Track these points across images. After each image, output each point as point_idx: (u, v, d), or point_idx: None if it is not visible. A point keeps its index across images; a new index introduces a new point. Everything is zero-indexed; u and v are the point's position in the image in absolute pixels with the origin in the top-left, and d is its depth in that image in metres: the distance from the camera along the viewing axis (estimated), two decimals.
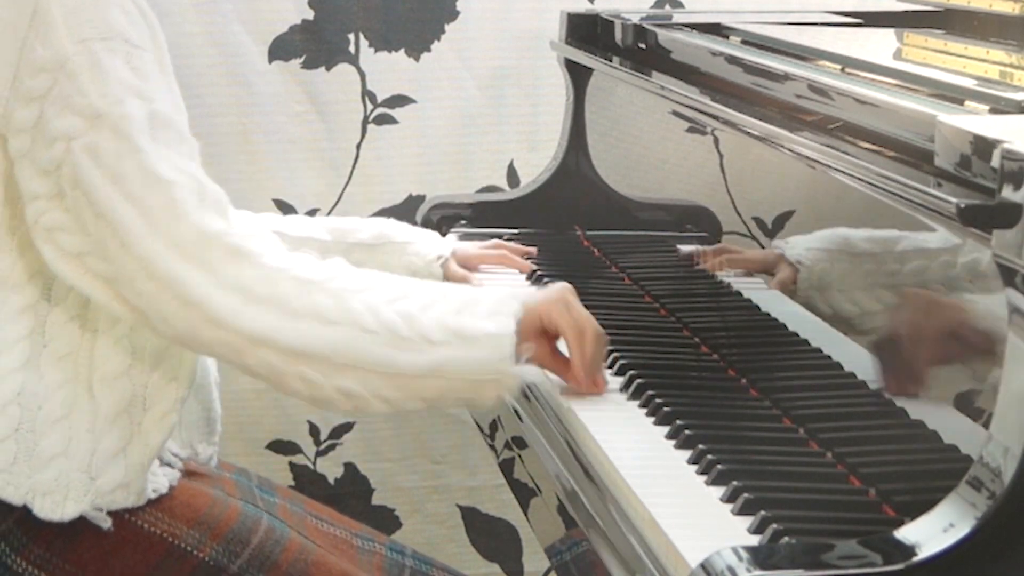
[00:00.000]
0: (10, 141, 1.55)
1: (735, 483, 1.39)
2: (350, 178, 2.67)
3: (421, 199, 2.60)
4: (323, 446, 2.74)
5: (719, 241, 1.89)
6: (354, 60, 2.64)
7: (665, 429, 1.56)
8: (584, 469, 1.53)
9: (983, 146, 1.26)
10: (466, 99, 2.69)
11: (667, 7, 2.73)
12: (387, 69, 2.65)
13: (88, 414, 1.59)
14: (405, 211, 2.62)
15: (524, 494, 1.78)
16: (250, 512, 1.69)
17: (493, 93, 2.70)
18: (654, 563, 1.31)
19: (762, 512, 1.32)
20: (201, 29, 2.58)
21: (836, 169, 1.52)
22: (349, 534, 1.79)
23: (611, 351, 1.77)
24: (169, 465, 1.70)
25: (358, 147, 2.67)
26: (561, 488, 1.56)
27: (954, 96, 1.55)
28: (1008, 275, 1.20)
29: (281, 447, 2.74)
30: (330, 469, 2.75)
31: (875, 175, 1.42)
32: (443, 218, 2.36)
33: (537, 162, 2.58)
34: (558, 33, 2.38)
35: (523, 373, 1.55)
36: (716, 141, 1.90)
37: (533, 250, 2.13)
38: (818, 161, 1.56)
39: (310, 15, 2.61)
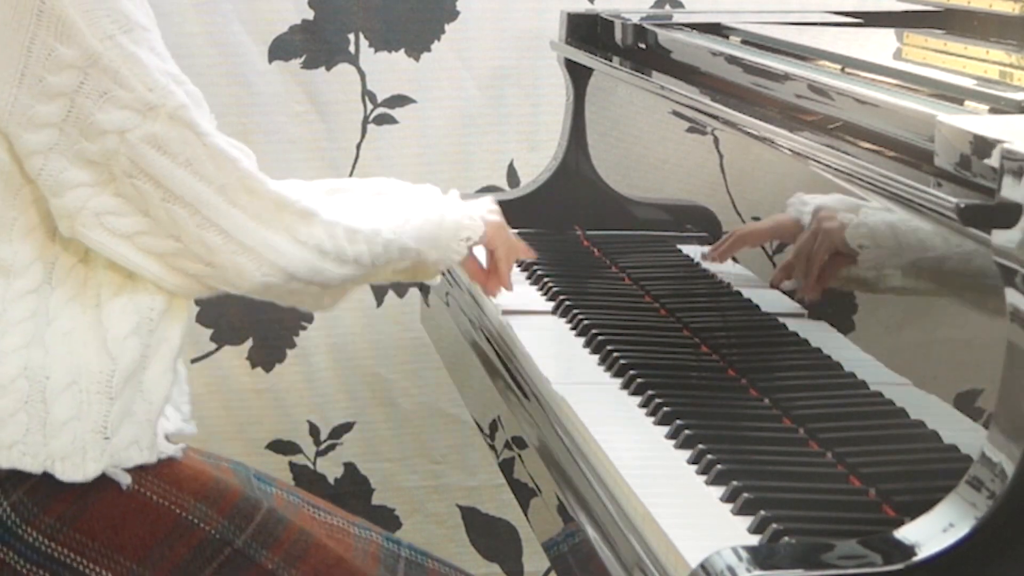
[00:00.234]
0: (25, 136, 1.58)
1: (735, 483, 1.39)
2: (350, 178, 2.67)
3: None
4: (323, 446, 2.75)
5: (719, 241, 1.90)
6: (354, 60, 2.64)
7: (665, 429, 1.56)
8: (584, 469, 1.53)
9: (983, 146, 1.26)
10: (466, 99, 2.69)
11: (667, 7, 2.73)
12: (387, 69, 2.65)
13: (98, 376, 1.61)
14: None
15: (524, 494, 1.78)
16: (251, 494, 1.71)
17: (493, 93, 2.70)
18: (654, 563, 1.31)
19: (762, 512, 1.32)
20: (201, 29, 2.59)
21: (836, 169, 1.52)
22: (346, 523, 1.80)
23: (611, 351, 1.77)
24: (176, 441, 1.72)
25: (358, 147, 2.67)
26: (561, 488, 1.56)
27: (954, 96, 1.55)
28: (1008, 275, 1.20)
29: (281, 447, 2.74)
30: (330, 469, 2.75)
31: (875, 175, 1.42)
32: None
33: (537, 162, 2.59)
34: (558, 33, 2.38)
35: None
36: (716, 141, 1.90)
37: (532, 254, 2.11)
38: (818, 161, 1.56)
39: (310, 15, 2.61)
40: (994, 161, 1.23)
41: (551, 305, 2.00)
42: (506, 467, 1.96)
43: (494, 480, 2.72)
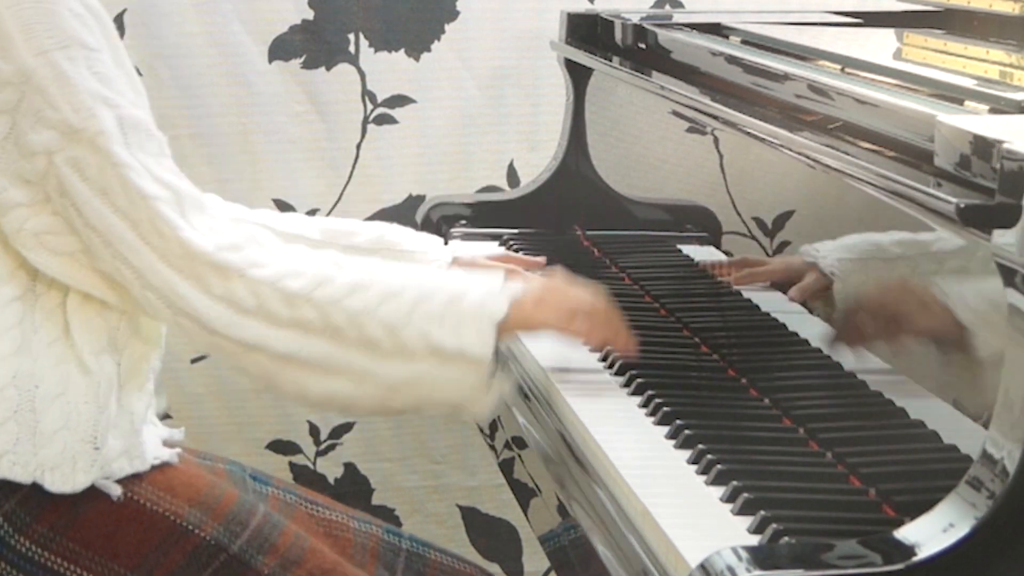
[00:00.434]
0: None
1: (735, 483, 1.39)
2: (350, 178, 2.67)
3: (421, 199, 2.60)
4: (323, 446, 2.75)
5: (719, 241, 1.89)
6: (354, 60, 2.64)
7: (665, 429, 1.56)
8: (584, 469, 1.53)
9: (983, 146, 1.26)
10: (466, 99, 2.69)
11: (667, 7, 2.73)
12: (387, 69, 2.65)
13: (85, 387, 1.61)
14: (405, 211, 2.63)
15: (524, 494, 1.78)
16: (247, 499, 1.70)
17: (493, 93, 2.70)
18: (654, 563, 1.31)
19: (762, 512, 1.32)
20: (201, 29, 2.59)
21: (836, 169, 1.52)
22: (345, 517, 1.80)
23: (611, 350, 1.77)
24: (169, 446, 1.72)
25: (358, 147, 2.67)
26: (561, 488, 1.56)
27: (954, 96, 1.55)
28: (1008, 275, 1.20)
29: (281, 447, 2.74)
30: (330, 469, 2.75)
31: (875, 175, 1.42)
32: (443, 218, 2.36)
33: (537, 162, 2.59)
34: (558, 33, 2.38)
35: (496, 395, 1.60)
36: (716, 141, 1.90)
37: (542, 260, 2.10)
38: (818, 161, 1.56)
39: (310, 15, 2.61)
40: (994, 161, 1.23)
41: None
42: (506, 467, 1.96)
43: (494, 480, 2.72)
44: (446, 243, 2.26)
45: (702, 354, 1.82)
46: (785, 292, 1.70)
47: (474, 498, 2.78)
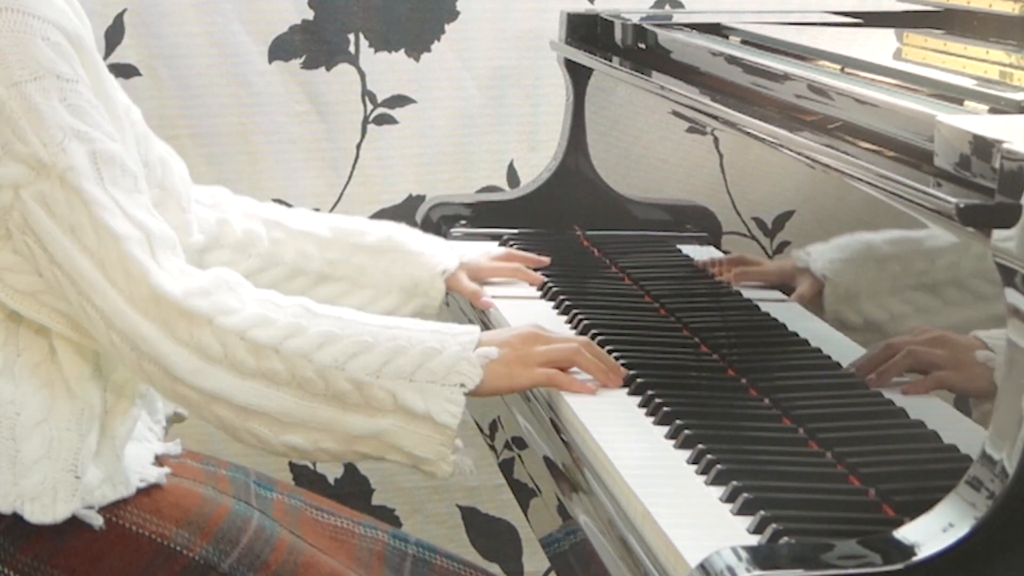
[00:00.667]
0: None
1: (735, 483, 1.39)
2: (350, 178, 2.67)
3: (421, 199, 2.60)
4: None
5: (719, 241, 1.89)
6: (354, 60, 2.64)
7: (665, 429, 1.56)
8: (584, 469, 1.53)
9: (983, 146, 1.26)
10: (466, 99, 2.69)
11: (667, 7, 2.73)
12: (387, 69, 2.65)
13: (68, 414, 1.59)
14: (405, 211, 2.63)
15: (524, 494, 1.78)
16: (240, 511, 1.69)
17: (493, 93, 2.70)
18: (654, 563, 1.31)
19: (762, 512, 1.32)
20: (201, 29, 2.59)
21: (836, 169, 1.52)
22: (351, 523, 1.79)
23: (611, 351, 1.77)
24: (159, 462, 1.71)
25: (358, 147, 2.67)
26: (561, 488, 1.56)
27: (954, 96, 1.55)
28: (1008, 275, 1.20)
29: None
30: (330, 469, 2.75)
31: (875, 175, 1.42)
32: (443, 218, 2.36)
33: (537, 162, 2.59)
34: (558, 33, 2.38)
35: (457, 460, 1.59)
36: (716, 141, 1.90)
37: (546, 260, 2.11)
38: (818, 161, 1.56)
39: (310, 15, 2.61)
40: (994, 161, 1.23)
41: (551, 304, 2.00)
42: (506, 467, 1.96)
43: (494, 480, 2.72)
44: None
45: (702, 354, 1.82)
46: (783, 292, 1.70)
47: (474, 498, 2.78)
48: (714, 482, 1.42)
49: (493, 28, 2.68)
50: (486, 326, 1.96)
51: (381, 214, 2.67)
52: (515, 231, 2.31)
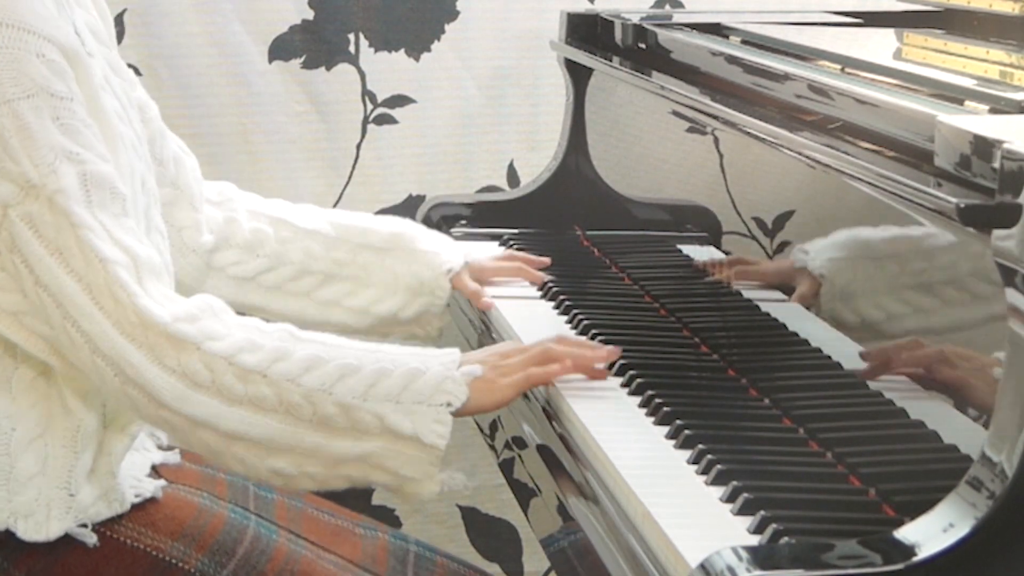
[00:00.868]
0: None
1: (735, 483, 1.39)
2: (350, 178, 2.67)
3: (421, 199, 2.60)
4: None
5: (719, 241, 1.89)
6: (354, 60, 2.64)
7: (665, 429, 1.56)
8: (584, 469, 1.53)
9: (983, 146, 1.26)
10: (466, 99, 2.69)
11: (667, 7, 2.73)
12: (387, 69, 2.65)
13: (63, 430, 1.58)
14: (405, 211, 2.62)
15: (524, 494, 1.78)
16: (237, 521, 1.69)
17: (493, 93, 2.70)
18: (654, 563, 1.31)
19: (762, 512, 1.32)
20: (201, 29, 2.59)
21: (836, 169, 1.52)
22: (351, 524, 1.79)
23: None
24: (156, 472, 1.70)
25: (358, 147, 2.67)
26: (561, 488, 1.56)
27: (954, 96, 1.55)
28: (1008, 275, 1.20)
29: None
30: None
31: (875, 175, 1.42)
32: (443, 218, 2.36)
33: (537, 162, 2.59)
34: (558, 33, 2.38)
35: (444, 480, 1.59)
36: (716, 141, 1.90)
37: (547, 260, 2.11)
38: (818, 161, 1.56)
39: (310, 15, 2.61)
40: (994, 161, 1.23)
41: (551, 304, 2.00)
42: (506, 467, 1.96)
43: (494, 480, 2.72)
44: None
45: (702, 354, 1.82)
46: (783, 293, 1.70)
47: (474, 498, 2.78)
48: (714, 482, 1.42)
49: (493, 28, 2.68)
50: (486, 325, 1.97)
51: (381, 214, 2.67)
52: (515, 231, 2.31)
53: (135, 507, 1.64)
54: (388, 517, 2.74)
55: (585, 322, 1.89)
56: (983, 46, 1.92)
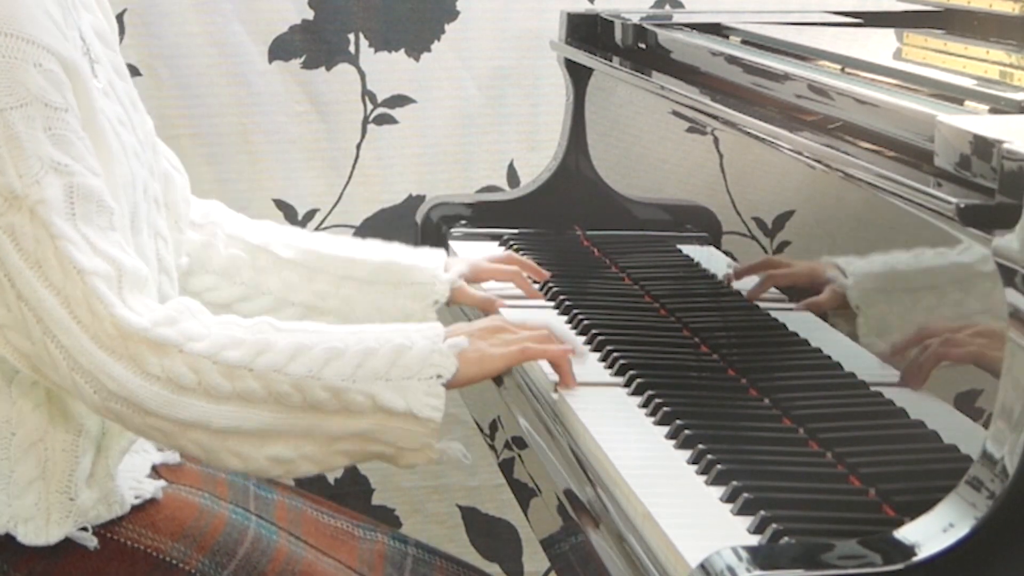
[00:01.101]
0: None
1: (735, 483, 1.39)
2: (350, 178, 2.67)
3: (421, 199, 2.60)
4: None
5: (719, 241, 1.89)
6: (354, 60, 2.64)
7: (665, 429, 1.56)
8: (584, 469, 1.53)
9: (983, 146, 1.26)
10: (466, 99, 2.69)
11: (667, 7, 2.73)
12: (387, 69, 2.65)
13: (63, 435, 1.58)
14: (405, 211, 2.63)
15: (524, 494, 1.78)
16: (237, 521, 1.69)
17: (493, 93, 2.70)
18: (654, 563, 1.31)
19: (762, 512, 1.32)
20: (201, 29, 2.59)
21: (836, 169, 1.52)
22: (351, 525, 1.79)
23: (611, 351, 1.77)
24: (156, 473, 1.70)
25: (358, 147, 2.67)
26: (561, 488, 1.56)
27: (954, 96, 1.55)
28: (1008, 275, 1.20)
29: None
30: None
31: (875, 175, 1.42)
32: (443, 218, 2.36)
33: (537, 162, 2.59)
34: (558, 33, 2.38)
35: (445, 448, 1.57)
36: (716, 141, 1.90)
37: (546, 274, 2.05)
38: (818, 161, 1.56)
39: (310, 15, 2.61)
40: (994, 161, 1.23)
41: (551, 305, 2.00)
42: (506, 467, 1.95)
43: (494, 480, 2.72)
44: (447, 244, 2.27)
45: (702, 354, 1.82)
46: (787, 295, 1.70)
47: (474, 498, 2.78)
48: (714, 482, 1.42)
49: (493, 28, 2.68)
50: None
51: (381, 214, 2.67)
52: (515, 231, 2.31)
53: (135, 508, 1.64)
54: (388, 517, 2.74)
55: (585, 322, 1.89)
56: (983, 46, 1.92)
